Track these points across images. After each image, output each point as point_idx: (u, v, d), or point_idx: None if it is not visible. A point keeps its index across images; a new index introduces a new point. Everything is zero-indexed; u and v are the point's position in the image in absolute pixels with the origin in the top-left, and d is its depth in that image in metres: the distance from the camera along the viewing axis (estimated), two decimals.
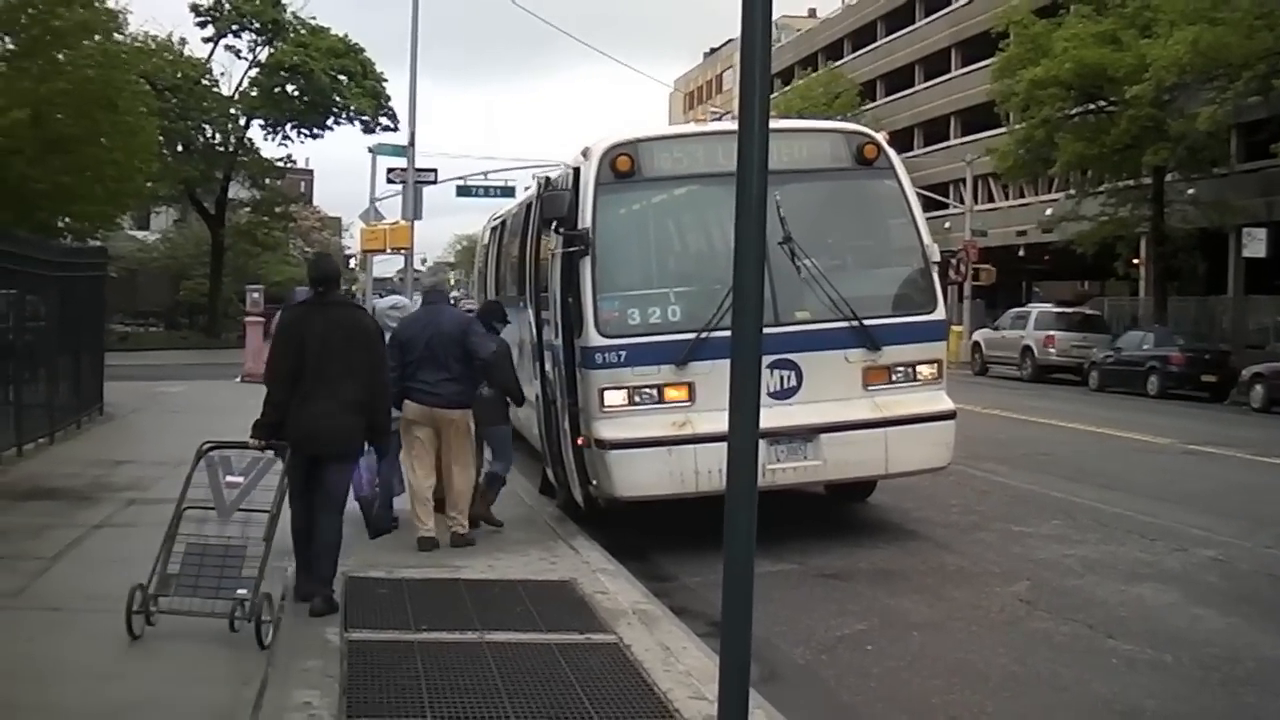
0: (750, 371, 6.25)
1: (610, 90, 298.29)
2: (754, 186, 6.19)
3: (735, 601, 6.24)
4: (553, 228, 15.81)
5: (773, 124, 18.52)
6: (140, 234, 77.72)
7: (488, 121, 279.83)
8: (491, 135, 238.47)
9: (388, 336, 14.19)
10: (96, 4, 37.99)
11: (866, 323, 15.30)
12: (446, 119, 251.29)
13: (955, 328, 61.26)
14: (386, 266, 63.60)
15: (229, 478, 11.22)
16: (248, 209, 73.08)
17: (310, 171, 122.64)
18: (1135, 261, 56.42)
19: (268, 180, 72.65)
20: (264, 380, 12.14)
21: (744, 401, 6.23)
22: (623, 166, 15.36)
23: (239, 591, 10.50)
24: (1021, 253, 67.90)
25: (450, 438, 14.82)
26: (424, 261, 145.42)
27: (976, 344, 56.69)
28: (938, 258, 16.28)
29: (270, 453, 11.43)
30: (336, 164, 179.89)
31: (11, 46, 35.10)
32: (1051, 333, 50.99)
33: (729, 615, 6.32)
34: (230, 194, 70.50)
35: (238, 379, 38.32)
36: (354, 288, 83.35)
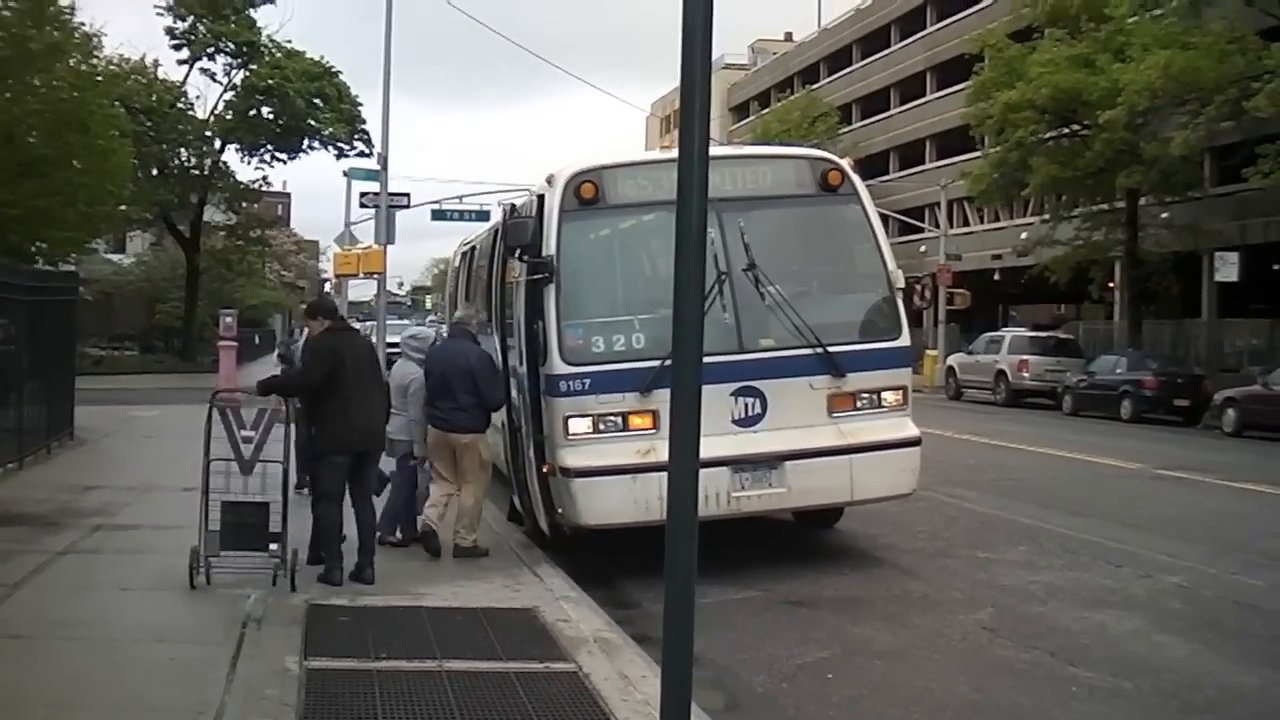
0: (691, 401, 6.28)
1: (597, 114, 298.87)
2: (694, 215, 6.18)
3: (676, 634, 6.27)
4: (517, 255, 15.81)
5: (737, 150, 18.67)
6: (116, 257, 77.41)
7: (473, 145, 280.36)
8: (475, 159, 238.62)
9: (402, 363, 16.62)
10: (70, 27, 37.83)
11: (831, 349, 15.30)
12: (435, 142, 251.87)
13: (930, 352, 61.49)
14: (363, 290, 63.52)
15: (243, 432, 13.56)
16: (223, 233, 72.87)
17: (288, 194, 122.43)
18: (1110, 285, 56.56)
19: (243, 204, 72.48)
20: (295, 381, 14.70)
21: (684, 431, 6.25)
22: (587, 194, 15.36)
23: (272, 546, 13.20)
24: (997, 276, 68.02)
25: (461, 458, 15.71)
26: (400, 285, 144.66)
27: (951, 368, 56.67)
28: (902, 284, 16.28)
29: (273, 397, 14.01)
30: (315, 187, 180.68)
31: None
32: (1025, 357, 51.01)
33: (670, 650, 6.35)
34: (206, 217, 70.29)
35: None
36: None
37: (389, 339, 37.49)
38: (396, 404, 16.00)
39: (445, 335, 17.80)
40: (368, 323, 39.03)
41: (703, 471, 12.56)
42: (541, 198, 15.76)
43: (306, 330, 15.66)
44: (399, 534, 16.28)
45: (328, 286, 79.86)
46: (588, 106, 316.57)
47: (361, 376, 14.08)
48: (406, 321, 79.62)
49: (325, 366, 13.93)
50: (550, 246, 15.19)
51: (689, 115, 6.28)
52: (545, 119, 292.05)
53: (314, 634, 11.59)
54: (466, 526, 15.72)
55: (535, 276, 15.19)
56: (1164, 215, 51.41)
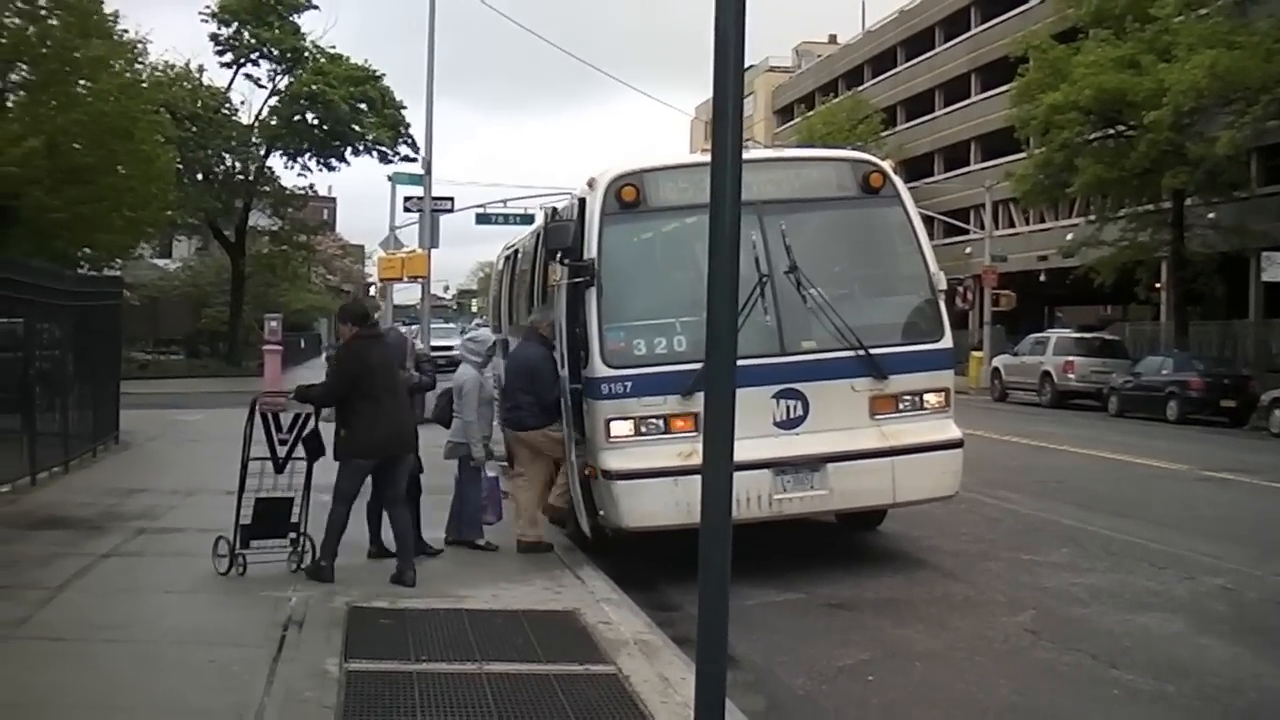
0: (725, 404, 6.23)
1: (647, 118, 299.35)
2: (726, 220, 6.14)
3: (711, 637, 6.24)
4: (558, 258, 15.84)
5: (778, 153, 18.61)
6: (161, 262, 77.73)
7: (525, 151, 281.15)
8: (527, 164, 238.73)
9: (463, 368, 16.46)
10: (115, 36, 38.07)
11: (873, 352, 15.28)
12: (486, 148, 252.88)
13: (976, 353, 61.18)
14: (408, 295, 63.55)
15: (279, 435, 14.40)
16: (268, 237, 73.08)
17: (333, 199, 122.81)
18: (1156, 286, 56.26)
19: (288, 209, 72.71)
20: (322, 394, 14.59)
21: (718, 434, 6.21)
22: (628, 196, 15.37)
23: (290, 535, 14.33)
24: (1043, 278, 67.69)
25: (519, 453, 16.45)
26: (445, 289, 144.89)
27: (996, 370, 56.48)
28: (944, 285, 16.22)
29: (310, 406, 14.54)
30: (361, 191, 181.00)
31: (30, 77, 35.21)
32: (1071, 358, 50.74)
33: (704, 652, 6.33)
34: (251, 222, 70.54)
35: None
36: (376, 315, 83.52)
37: (434, 342, 37.56)
38: (456, 407, 16.25)
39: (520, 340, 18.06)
40: (413, 326, 39.02)
41: (745, 474, 12.65)
42: (583, 201, 15.77)
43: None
44: (486, 539, 16.38)
45: (372, 290, 79.80)
46: (638, 111, 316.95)
47: (391, 381, 14.35)
48: (451, 325, 79.75)
49: (349, 376, 14.22)
50: (591, 249, 15.20)
51: (721, 123, 6.25)
52: (597, 124, 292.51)
53: (354, 636, 11.61)
54: (529, 522, 16.11)
55: (576, 279, 15.21)
56: (1210, 215, 51.05)
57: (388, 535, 14.90)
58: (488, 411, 16.48)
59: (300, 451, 14.48)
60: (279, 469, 14.46)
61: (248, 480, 14.27)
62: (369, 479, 14.41)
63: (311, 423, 14.53)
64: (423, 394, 16.62)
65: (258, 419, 14.34)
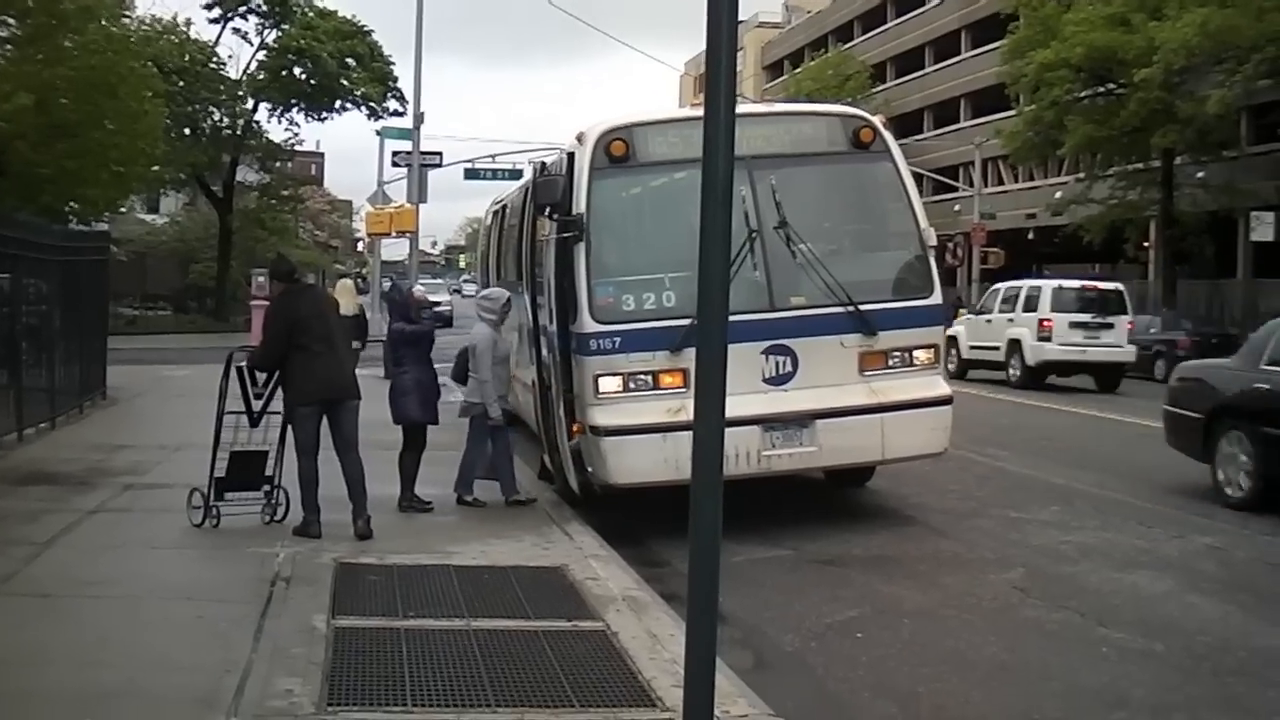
0: (717, 359, 6.17)
1: (645, 74, 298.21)
2: (720, 173, 6.07)
3: (701, 593, 6.21)
4: (547, 213, 15.78)
5: (769, 108, 18.55)
6: (149, 217, 77.48)
7: (523, 105, 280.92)
8: (524, 119, 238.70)
9: (479, 326, 16.59)
10: None
11: (863, 308, 15.23)
12: (485, 102, 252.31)
13: (964, 311, 61.16)
14: (395, 250, 63.47)
15: (254, 389, 14.68)
16: (256, 192, 72.92)
17: (321, 154, 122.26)
18: (1145, 245, 56.28)
19: (276, 163, 72.55)
20: (262, 358, 14.78)
21: (710, 389, 6.16)
22: (617, 151, 15.29)
23: (264, 488, 14.67)
24: (1031, 235, 67.73)
25: None
26: (433, 244, 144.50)
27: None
28: (934, 242, 16.18)
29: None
30: (349, 147, 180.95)
31: (17, 32, 35.01)
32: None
33: (694, 608, 6.29)
34: (238, 177, 70.37)
35: (244, 363, 38.29)
36: (363, 270, 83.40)
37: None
38: (471, 366, 16.29)
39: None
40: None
41: (733, 430, 12.60)
42: (571, 156, 15.68)
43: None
44: (475, 496, 16.34)
45: (360, 246, 79.63)
46: (635, 66, 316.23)
47: (324, 328, 14.43)
48: (439, 281, 79.59)
49: (282, 330, 14.37)
50: (580, 204, 15.12)
51: (714, 76, 6.16)
52: (596, 78, 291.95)
53: (342, 592, 11.59)
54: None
55: (565, 235, 15.14)
56: (1200, 175, 51.11)
57: (422, 489, 15.74)
58: (503, 371, 16.40)
59: (276, 406, 14.71)
60: (254, 423, 14.69)
61: (223, 434, 14.52)
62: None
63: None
64: (429, 343, 16.52)
65: (233, 373, 14.62)
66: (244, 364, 14.73)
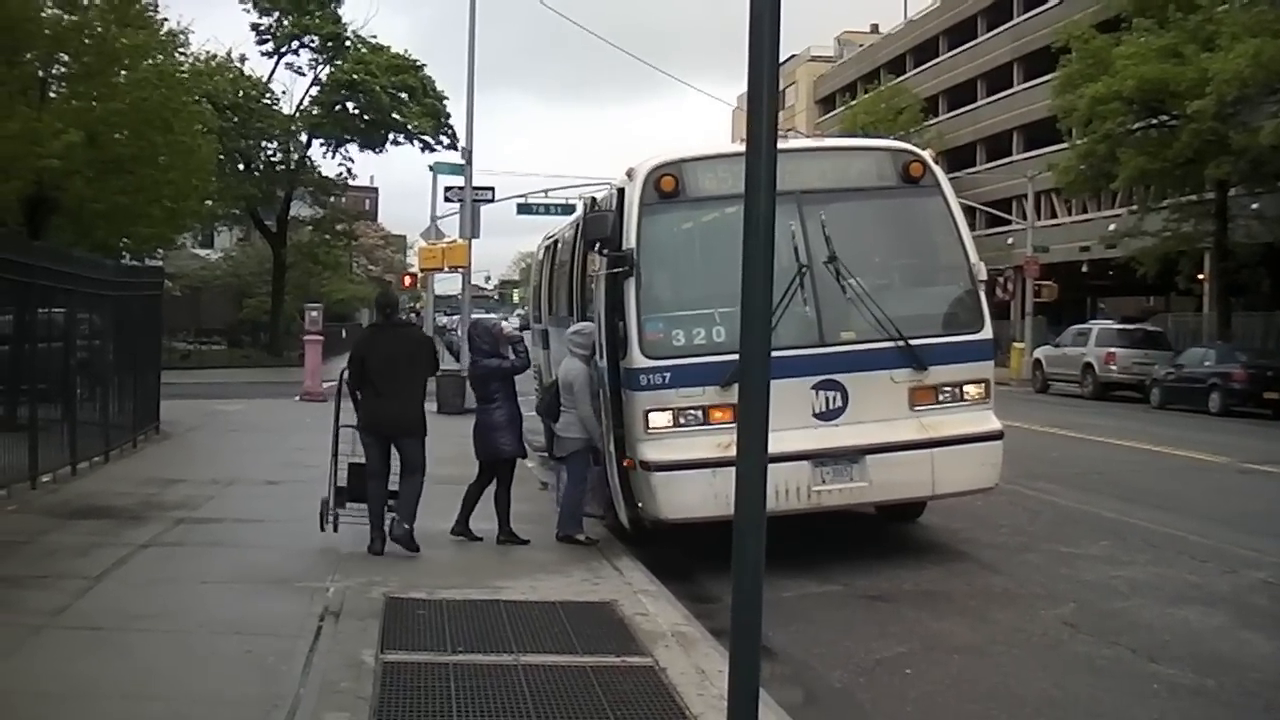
0: (760, 395, 6.16)
1: (695, 109, 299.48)
2: (761, 207, 6.07)
3: (744, 630, 6.20)
4: (597, 248, 15.82)
5: (818, 142, 18.53)
6: (204, 252, 78.14)
7: (588, 142, 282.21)
8: (588, 155, 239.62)
9: (568, 360, 16.75)
10: (154, 26, 38.15)
11: (913, 342, 15.21)
12: (547, 138, 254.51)
13: (1017, 345, 61.00)
14: (448, 285, 63.65)
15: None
16: (309, 227, 73.27)
17: (375, 189, 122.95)
18: (1199, 277, 55.92)
19: (329, 198, 72.91)
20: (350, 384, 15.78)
21: (753, 425, 6.15)
22: (667, 186, 15.32)
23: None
24: (1085, 268, 67.32)
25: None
26: (486, 279, 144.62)
27: (1038, 361, 56.21)
28: (984, 276, 16.14)
29: None
30: (402, 182, 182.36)
31: (70, 69, 35.28)
32: (1113, 350, 50.44)
33: (738, 645, 6.28)
34: (292, 212, 70.77)
35: (296, 398, 38.49)
36: (416, 305, 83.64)
37: None
38: (565, 401, 16.30)
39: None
40: (454, 316, 39.06)
41: (783, 465, 12.58)
42: (621, 191, 15.75)
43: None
44: (586, 535, 16.32)
45: (408, 280, 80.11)
46: (691, 102, 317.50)
47: (393, 367, 15.25)
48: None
49: (355, 365, 15.59)
50: (630, 240, 15.16)
51: (756, 112, 6.17)
52: (660, 114, 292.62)
53: (391, 627, 11.63)
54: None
55: (615, 270, 15.18)
56: (1254, 206, 50.68)
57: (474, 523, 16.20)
58: (596, 404, 16.40)
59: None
60: None
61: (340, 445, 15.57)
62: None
63: None
64: (513, 377, 16.53)
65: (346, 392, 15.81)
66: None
